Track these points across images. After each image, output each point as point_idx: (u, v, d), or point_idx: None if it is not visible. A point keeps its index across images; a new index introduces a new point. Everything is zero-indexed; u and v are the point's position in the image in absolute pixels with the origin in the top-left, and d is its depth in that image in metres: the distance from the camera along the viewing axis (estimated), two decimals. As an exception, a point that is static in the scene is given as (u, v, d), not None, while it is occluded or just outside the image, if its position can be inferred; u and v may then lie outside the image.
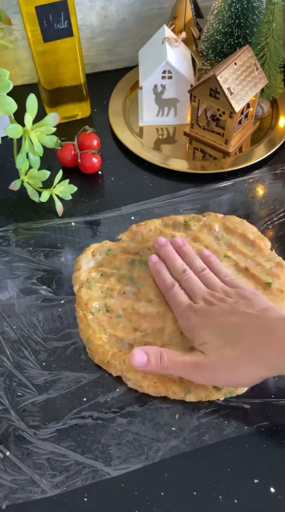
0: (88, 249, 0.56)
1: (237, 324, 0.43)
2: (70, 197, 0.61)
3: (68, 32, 0.61)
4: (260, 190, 0.62)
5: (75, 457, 0.43)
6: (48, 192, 0.59)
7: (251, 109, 0.66)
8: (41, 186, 0.60)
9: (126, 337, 0.49)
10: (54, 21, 0.59)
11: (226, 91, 0.60)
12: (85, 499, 0.41)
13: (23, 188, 0.59)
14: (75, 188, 0.60)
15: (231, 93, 0.60)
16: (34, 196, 0.60)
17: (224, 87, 0.59)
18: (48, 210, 0.60)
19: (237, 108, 0.61)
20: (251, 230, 0.57)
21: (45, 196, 0.59)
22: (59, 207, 0.59)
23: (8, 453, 0.43)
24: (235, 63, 0.61)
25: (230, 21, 0.63)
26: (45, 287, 0.53)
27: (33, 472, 0.42)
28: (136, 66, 0.73)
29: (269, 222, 0.59)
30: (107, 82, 0.75)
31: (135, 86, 0.74)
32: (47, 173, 0.59)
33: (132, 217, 0.59)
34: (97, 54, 0.77)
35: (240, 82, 0.61)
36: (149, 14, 0.74)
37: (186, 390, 0.46)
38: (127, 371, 0.46)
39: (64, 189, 0.60)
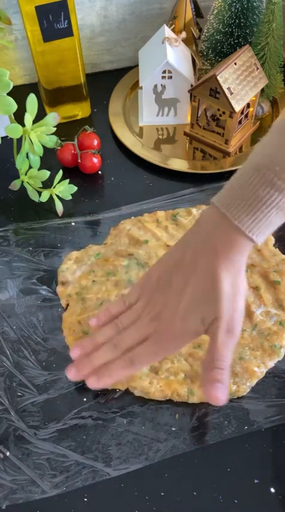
0: (68, 258, 0.54)
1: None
2: (70, 197, 0.60)
3: (68, 32, 0.61)
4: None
5: (75, 457, 0.43)
6: (48, 192, 0.59)
7: (251, 109, 0.66)
8: (41, 186, 0.60)
9: None
10: (54, 21, 0.59)
11: (226, 91, 0.60)
12: (85, 499, 0.41)
13: (23, 188, 0.59)
14: (75, 188, 0.60)
15: (231, 93, 0.60)
16: (34, 196, 0.60)
17: (224, 87, 0.59)
18: (48, 210, 0.60)
19: (238, 108, 0.61)
20: None
21: (45, 196, 0.59)
22: (59, 207, 0.59)
23: (8, 453, 0.43)
24: (235, 63, 0.61)
25: (230, 21, 0.63)
26: (45, 287, 0.53)
27: (33, 472, 0.42)
28: (136, 66, 0.73)
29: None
30: (107, 82, 0.75)
31: (135, 86, 0.74)
32: (46, 173, 0.59)
33: (132, 217, 0.59)
34: (97, 54, 0.77)
35: (240, 82, 0.61)
36: (149, 14, 0.74)
37: (189, 392, 0.45)
38: (133, 380, 0.46)
39: (64, 188, 0.60)
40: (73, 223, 0.59)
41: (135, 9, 0.73)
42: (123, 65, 0.79)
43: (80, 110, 0.71)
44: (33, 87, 0.71)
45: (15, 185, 0.59)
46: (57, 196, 0.60)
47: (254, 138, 0.69)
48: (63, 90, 0.67)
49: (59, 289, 0.53)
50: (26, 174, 0.59)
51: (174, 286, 0.41)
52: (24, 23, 0.59)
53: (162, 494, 0.42)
